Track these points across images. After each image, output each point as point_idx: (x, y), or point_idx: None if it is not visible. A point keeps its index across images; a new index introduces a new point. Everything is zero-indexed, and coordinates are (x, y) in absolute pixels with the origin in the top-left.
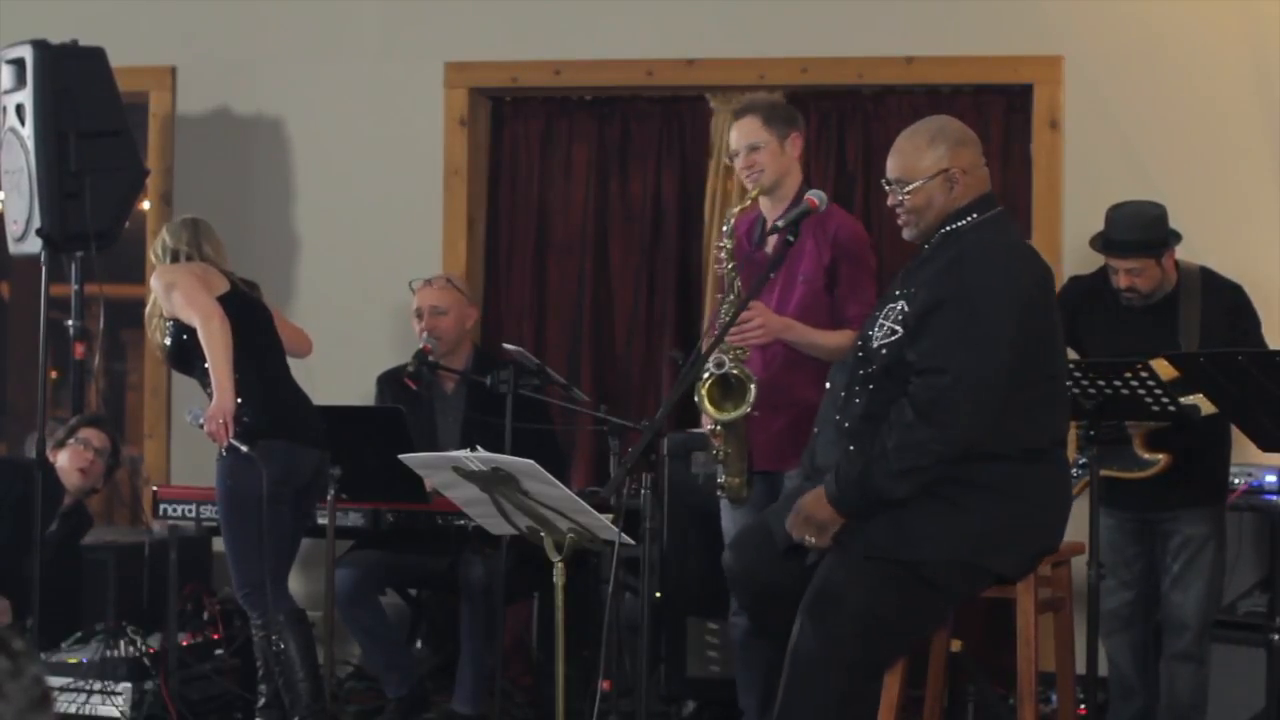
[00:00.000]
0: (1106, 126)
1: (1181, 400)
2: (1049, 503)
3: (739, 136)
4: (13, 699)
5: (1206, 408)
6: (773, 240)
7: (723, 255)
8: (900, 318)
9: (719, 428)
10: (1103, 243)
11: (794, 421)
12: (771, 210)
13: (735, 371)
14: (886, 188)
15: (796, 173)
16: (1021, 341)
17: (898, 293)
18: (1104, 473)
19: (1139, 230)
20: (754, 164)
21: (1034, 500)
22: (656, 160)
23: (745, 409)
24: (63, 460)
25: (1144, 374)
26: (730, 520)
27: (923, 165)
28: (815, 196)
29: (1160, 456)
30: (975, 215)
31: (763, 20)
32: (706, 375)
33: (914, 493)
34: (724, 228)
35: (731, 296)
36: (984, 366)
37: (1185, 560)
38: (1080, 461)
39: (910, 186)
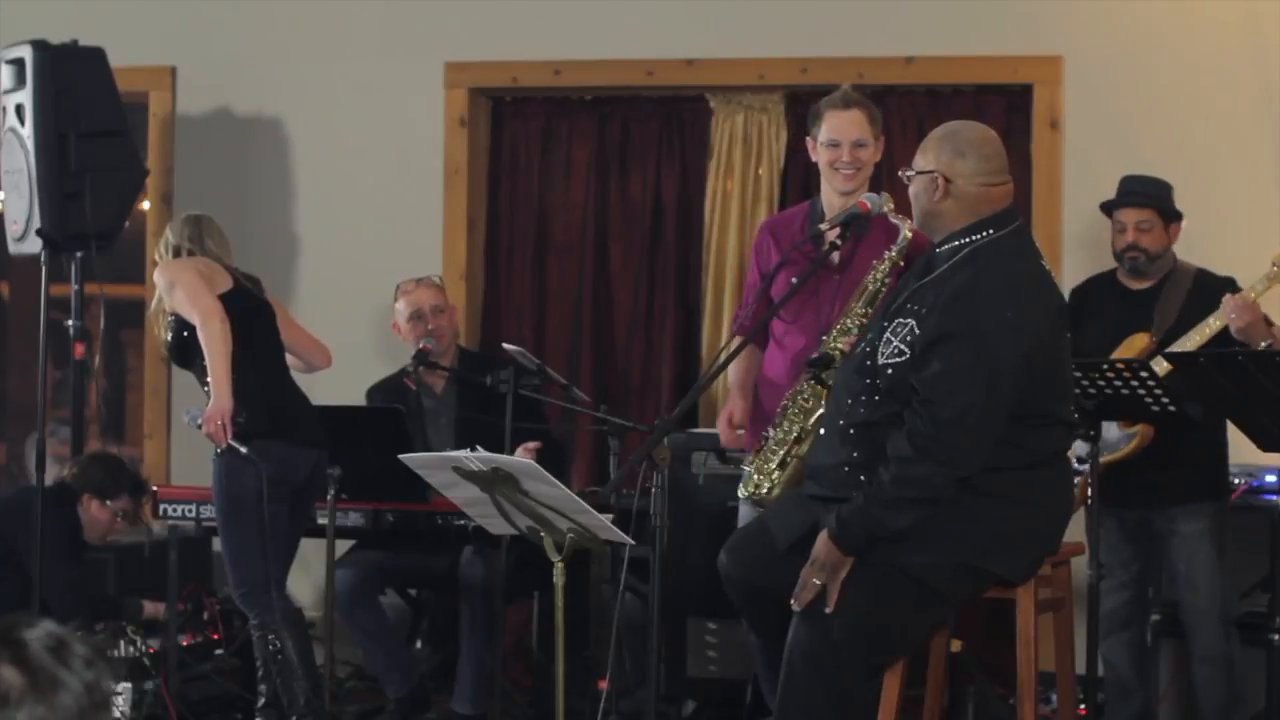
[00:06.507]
0: (1106, 126)
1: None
2: (1050, 506)
3: (847, 128)
4: (72, 690)
5: None
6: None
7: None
8: (909, 338)
9: (804, 431)
10: (1114, 199)
11: None
12: (840, 207)
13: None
14: None
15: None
16: (1030, 376)
17: (909, 307)
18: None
19: (1149, 185)
20: (857, 159)
21: (1036, 504)
22: (656, 160)
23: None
24: (96, 512)
25: (1144, 374)
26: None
27: (920, 159)
28: (868, 200)
29: (1138, 428)
30: (991, 231)
31: (763, 20)
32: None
33: (914, 524)
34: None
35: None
36: (988, 403)
37: (1188, 558)
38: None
39: (908, 174)
